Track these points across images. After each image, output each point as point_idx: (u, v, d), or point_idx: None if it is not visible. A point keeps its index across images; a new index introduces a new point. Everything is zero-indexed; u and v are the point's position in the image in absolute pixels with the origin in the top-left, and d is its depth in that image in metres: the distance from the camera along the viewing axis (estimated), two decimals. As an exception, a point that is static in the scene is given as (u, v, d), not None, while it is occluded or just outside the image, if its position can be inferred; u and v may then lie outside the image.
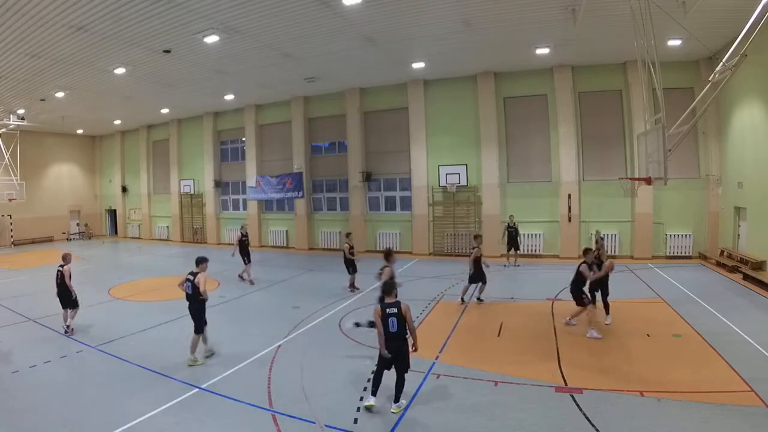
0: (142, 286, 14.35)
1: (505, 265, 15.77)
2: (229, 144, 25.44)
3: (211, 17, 11.56)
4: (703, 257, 15.79)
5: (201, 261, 7.67)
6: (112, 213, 31.74)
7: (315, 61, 15.99)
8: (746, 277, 12.31)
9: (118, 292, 13.01)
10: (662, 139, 8.00)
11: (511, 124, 18.20)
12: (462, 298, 10.90)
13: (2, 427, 5.47)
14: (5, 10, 10.41)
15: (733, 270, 13.27)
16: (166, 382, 6.70)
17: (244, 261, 14.05)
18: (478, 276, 10.79)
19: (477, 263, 10.73)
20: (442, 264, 16.95)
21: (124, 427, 5.34)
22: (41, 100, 19.30)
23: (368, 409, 5.69)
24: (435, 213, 19.11)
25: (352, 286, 12.64)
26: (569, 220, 17.04)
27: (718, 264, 14.51)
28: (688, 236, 16.21)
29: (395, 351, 5.67)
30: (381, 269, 8.24)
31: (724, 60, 7.73)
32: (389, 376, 5.76)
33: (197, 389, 6.44)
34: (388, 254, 8.62)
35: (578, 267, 8.69)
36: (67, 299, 9.19)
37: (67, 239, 29.32)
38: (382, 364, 5.76)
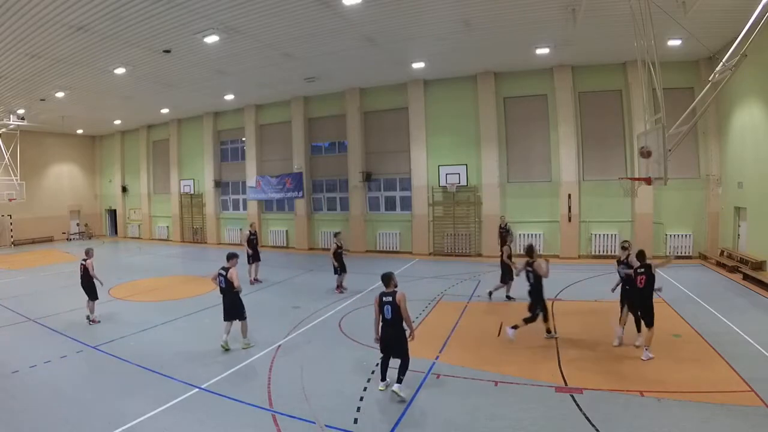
0: (142, 286, 14.35)
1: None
2: (229, 144, 25.44)
3: (211, 17, 11.56)
4: (703, 257, 15.79)
5: (232, 257, 8.14)
6: (112, 213, 31.74)
7: (315, 61, 15.99)
8: (746, 277, 12.31)
9: (118, 292, 13.00)
10: (662, 139, 8.00)
11: (511, 124, 18.19)
12: (507, 296, 11.18)
13: (2, 427, 5.47)
14: (5, 10, 10.41)
15: (733, 270, 13.27)
16: (166, 382, 6.70)
17: (249, 260, 14.04)
18: (510, 274, 10.92)
19: (506, 262, 10.96)
20: (442, 264, 16.95)
21: (124, 427, 5.34)
22: (41, 100, 19.29)
23: (382, 391, 6.16)
24: (435, 213, 19.11)
25: (340, 287, 12.60)
26: (569, 220, 17.04)
27: (718, 264, 14.51)
28: (688, 236, 16.21)
29: (390, 338, 6.10)
30: (528, 264, 8.36)
31: (724, 60, 7.73)
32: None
33: (197, 389, 6.44)
34: (530, 250, 8.77)
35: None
36: (94, 289, 9.99)
37: (67, 239, 29.32)
38: (384, 351, 6.26)
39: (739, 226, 14.44)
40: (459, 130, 18.72)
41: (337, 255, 12.55)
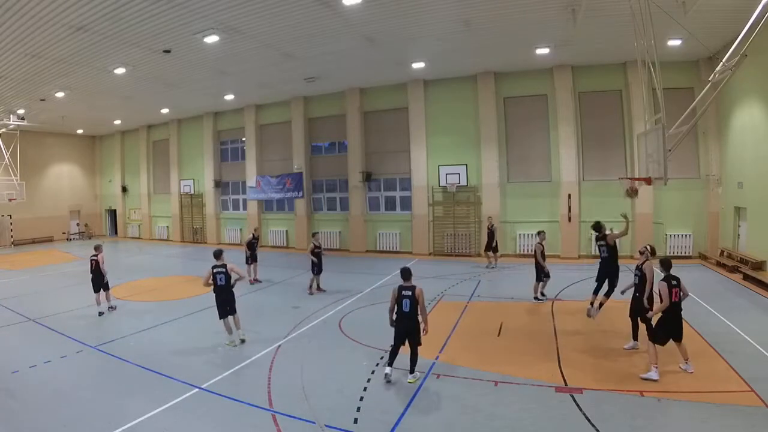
0: (142, 286, 14.35)
1: (486, 266, 15.70)
2: (229, 144, 25.44)
3: (211, 17, 11.55)
4: (703, 257, 15.79)
5: (220, 253, 8.45)
6: (112, 213, 31.74)
7: (315, 61, 15.99)
8: (746, 277, 12.31)
9: (118, 292, 12.98)
10: (662, 139, 7.99)
11: (511, 124, 18.19)
12: (542, 293, 11.12)
13: (2, 427, 5.47)
14: (5, 10, 10.41)
15: (733, 270, 13.27)
16: (166, 382, 6.70)
17: (247, 261, 14.10)
18: (544, 271, 10.97)
19: (541, 258, 10.91)
20: (442, 264, 16.94)
21: (124, 427, 5.34)
22: (41, 100, 19.29)
23: (386, 377, 6.44)
24: (435, 213, 19.11)
25: (318, 288, 12.47)
26: (569, 220, 17.04)
27: (718, 264, 14.51)
28: (688, 236, 16.20)
29: (406, 329, 6.49)
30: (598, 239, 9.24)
31: (724, 60, 7.72)
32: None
33: (197, 389, 6.44)
34: (598, 226, 9.60)
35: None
36: (100, 282, 10.66)
37: (67, 239, 29.33)
38: (398, 340, 6.56)
39: (739, 226, 14.44)
40: (459, 130, 18.72)
41: (316, 255, 12.41)
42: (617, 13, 11.24)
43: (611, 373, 6.65)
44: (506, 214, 18.11)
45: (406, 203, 20.06)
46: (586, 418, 5.36)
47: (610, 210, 16.69)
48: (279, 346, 8.26)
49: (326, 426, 5.36)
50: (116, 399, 6.17)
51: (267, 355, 7.78)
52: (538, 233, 11.30)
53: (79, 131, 29.46)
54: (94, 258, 10.66)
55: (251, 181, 23.11)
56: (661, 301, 6.50)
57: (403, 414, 5.62)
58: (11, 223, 26.78)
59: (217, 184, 25.29)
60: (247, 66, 16.13)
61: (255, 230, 15.37)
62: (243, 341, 8.31)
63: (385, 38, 13.82)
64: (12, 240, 26.67)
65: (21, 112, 21.40)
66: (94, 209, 32.01)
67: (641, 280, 7.27)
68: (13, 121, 21.61)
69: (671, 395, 5.81)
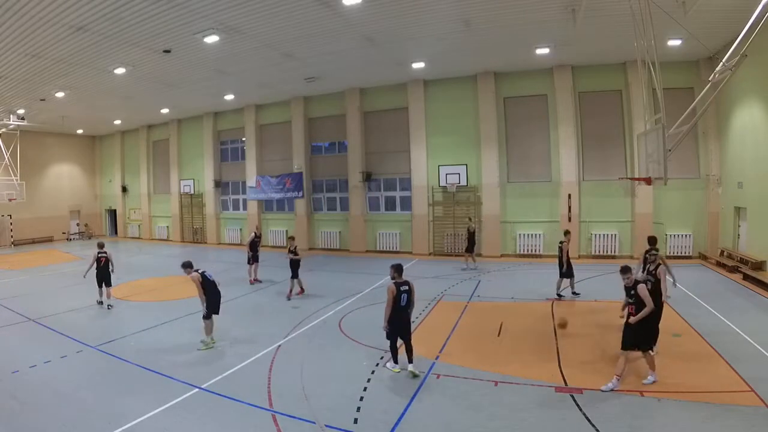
0: (142, 286, 14.35)
1: (463, 268, 15.52)
2: (229, 144, 25.43)
3: (211, 17, 11.55)
4: (703, 257, 15.79)
5: (187, 265, 8.29)
6: (112, 213, 31.73)
7: (315, 61, 15.99)
8: (746, 277, 12.31)
9: (118, 292, 12.98)
10: (662, 139, 8.00)
11: (511, 124, 18.19)
12: (573, 292, 11.27)
13: (2, 427, 5.47)
14: (5, 10, 10.40)
15: (733, 270, 13.27)
16: (166, 382, 6.70)
17: (248, 261, 14.12)
18: (570, 270, 11.09)
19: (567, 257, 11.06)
20: (442, 264, 16.93)
21: (124, 427, 5.34)
22: (41, 100, 19.29)
23: (395, 370, 6.81)
24: (435, 213, 19.11)
25: (301, 290, 12.16)
26: (569, 220, 17.03)
27: (718, 264, 14.50)
28: (688, 236, 16.20)
29: (402, 321, 6.86)
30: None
31: (724, 60, 7.72)
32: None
33: (197, 389, 6.44)
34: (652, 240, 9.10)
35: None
36: (108, 278, 11.27)
37: (67, 239, 29.32)
38: (394, 336, 6.84)
39: (739, 226, 14.44)
40: (459, 130, 18.72)
41: (294, 262, 11.90)
42: (617, 13, 11.24)
43: (611, 373, 6.62)
44: (506, 214, 18.11)
45: (406, 203, 20.06)
46: (586, 418, 5.36)
47: (610, 210, 16.82)
48: (279, 346, 8.26)
49: (326, 426, 5.36)
50: (116, 399, 6.17)
51: (267, 355, 7.77)
52: (565, 233, 11.59)
53: (79, 131, 29.45)
54: (103, 254, 11.20)
55: (251, 181, 23.11)
56: (645, 304, 6.10)
57: (403, 414, 5.62)
58: (11, 223, 26.76)
59: (217, 184, 25.28)
60: (247, 66, 16.13)
61: (256, 228, 15.31)
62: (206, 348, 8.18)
63: (385, 38, 13.82)
64: (12, 240, 26.66)
65: (21, 112, 21.40)
66: (94, 209, 32.01)
67: (654, 285, 6.86)
68: (13, 121, 21.61)
69: (671, 395, 5.81)
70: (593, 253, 16.99)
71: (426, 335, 8.70)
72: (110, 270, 11.32)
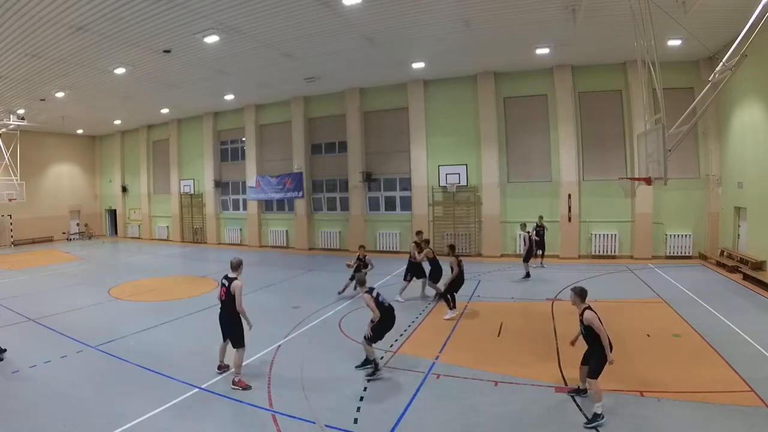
0: (142, 286, 14.34)
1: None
2: (229, 144, 25.43)
3: (211, 17, 11.55)
4: (703, 257, 15.79)
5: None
6: (112, 213, 31.73)
7: (315, 61, 15.98)
8: (746, 277, 12.31)
9: (118, 292, 13.01)
10: (662, 139, 7.99)
11: (511, 124, 18.19)
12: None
13: (2, 427, 5.47)
14: (5, 10, 10.40)
15: (733, 270, 13.27)
16: (166, 382, 6.70)
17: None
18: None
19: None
20: (442, 264, 16.88)
21: (124, 427, 5.34)
22: (41, 100, 19.29)
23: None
24: (435, 213, 19.11)
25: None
26: (569, 220, 17.04)
27: (718, 264, 14.51)
28: (688, 236, 16.20)
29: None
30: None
31: (724, 60, 7.72)
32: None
33: (197, 389, 6.44)
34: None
35: None
36: None
37: (67, 239, 29.31)
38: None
39: (739, 226, 14.44)
40: (459, 130, 18.72)
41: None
42: (617, 13, 11.24)
43: (611, 373, 6.62)
44: (506, 214, 18.11)
45: (406, 203, 20.06)
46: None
47: (610, 210, 16.81)
48: (279, 346, 8.26)
49: (326, 426, 5.36)
50: (116, 399, 6.16)
51: (267, 355, 7.78)
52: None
53: (79, 131, 29.44)
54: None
55: (251, 181, 23.12)
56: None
57: (403, 414, 5.62)
58: (11, 223, 26.76)
59: (217, 184, 25.28)
60: (247, 66, 16.13)
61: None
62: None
63: (385, 38, 13.82)
64: (12, 240, 26.65)
65: (21, 112, 21.39)
66: (94, 209, 32.00)
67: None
68: (13, 121, 21.59)
69: (671, 395, 5.81)
70: (593, 253, 16.98)
71: (426, 335, 8.71)
72: None
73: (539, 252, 15.37)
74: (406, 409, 5.73)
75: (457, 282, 9.99)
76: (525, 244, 14.02)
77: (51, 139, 28.76)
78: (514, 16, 12.18)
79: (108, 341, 8.59)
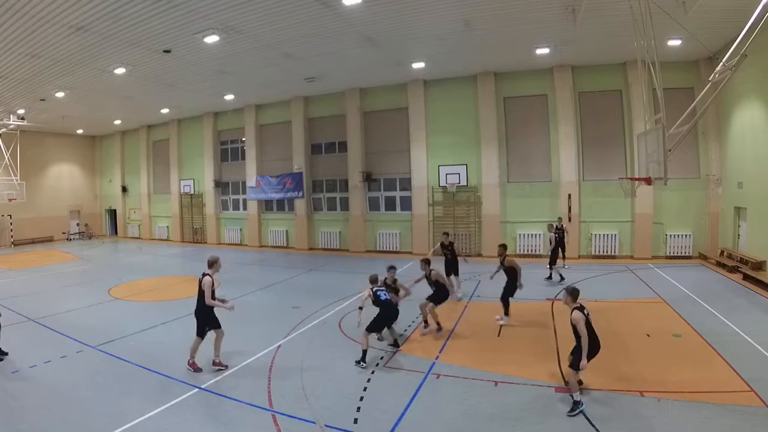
0: (142, 286, 14.34)
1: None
2: (229, 144, 25.42)
3: (211, 17, 11.55)
4: (703, 257, 15.79)
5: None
6: (112, 213, 31.72)
7: (315, 61, 15.98)
8: (746, 277, 12.31)
9: (118, 292, 13.01)
10: (662, 139, 8.00)
11: (511, 124, 18.19)
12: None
13: (2, 427, 5.47)
14: (5, 10, 10.40)
15: (733, 270, 13.27)
16: (166, 382, 6.70)
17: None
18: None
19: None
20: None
21: (124, 427, 5.34)
22: (41, 100, 19.29)
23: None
24: (435, 213, 19.11)
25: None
26: (569, 219, 17.03)
27: (718, 264, 14.50)
28: (688, 236, 16.20)
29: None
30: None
31: (724, 60, 7.73)
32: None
33: (197, 389, 6.44)
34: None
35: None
36: None
37: (67, 239, 29.31)
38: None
39: (739, 226, 14.44)
40: (459, 130, 18.71)
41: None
42: (617, 13, 11.24)
43: (611, 373, 6.65)
44: (506, 214, 18.11)
45: (406, 203, 20.05)
46: (586, 418, 5.36)
47: (610, 210, 16.81)
48: (279, 346, 8.26)
49: (326, 426, 5.36)
50: (116, 399, 6.17)
51: (267, 355, 7.78)
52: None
53: (79, 131, 29.45)
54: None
55: (251, 181, 23.11)
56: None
57: (403, 414, 5.62)
58: (11, 223, 26.75)
59: (217, 184, 25.28)
60: (247, 66, 16.13)
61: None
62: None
63: (385, 38, 13.82)
64: (12, 240, 26.65)
65: (21, 112, 21.40)
66: (94, 209, 32.00)
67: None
68: (13, 121, 21.61)
69: (671, 395, 5.81)
70: (593, 253, 16.98)
71: (426, 335, 8.71)
72: None
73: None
74: (406, 409, 5.73)
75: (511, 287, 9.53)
76: (551, 244, 13.75)
77: (51, 139, 28.76)
78: (513, 16, 12.18)
79: (108, 341, 8.59)
